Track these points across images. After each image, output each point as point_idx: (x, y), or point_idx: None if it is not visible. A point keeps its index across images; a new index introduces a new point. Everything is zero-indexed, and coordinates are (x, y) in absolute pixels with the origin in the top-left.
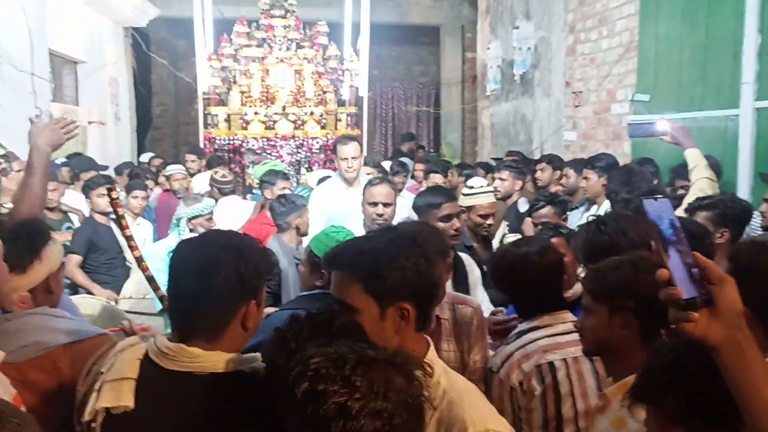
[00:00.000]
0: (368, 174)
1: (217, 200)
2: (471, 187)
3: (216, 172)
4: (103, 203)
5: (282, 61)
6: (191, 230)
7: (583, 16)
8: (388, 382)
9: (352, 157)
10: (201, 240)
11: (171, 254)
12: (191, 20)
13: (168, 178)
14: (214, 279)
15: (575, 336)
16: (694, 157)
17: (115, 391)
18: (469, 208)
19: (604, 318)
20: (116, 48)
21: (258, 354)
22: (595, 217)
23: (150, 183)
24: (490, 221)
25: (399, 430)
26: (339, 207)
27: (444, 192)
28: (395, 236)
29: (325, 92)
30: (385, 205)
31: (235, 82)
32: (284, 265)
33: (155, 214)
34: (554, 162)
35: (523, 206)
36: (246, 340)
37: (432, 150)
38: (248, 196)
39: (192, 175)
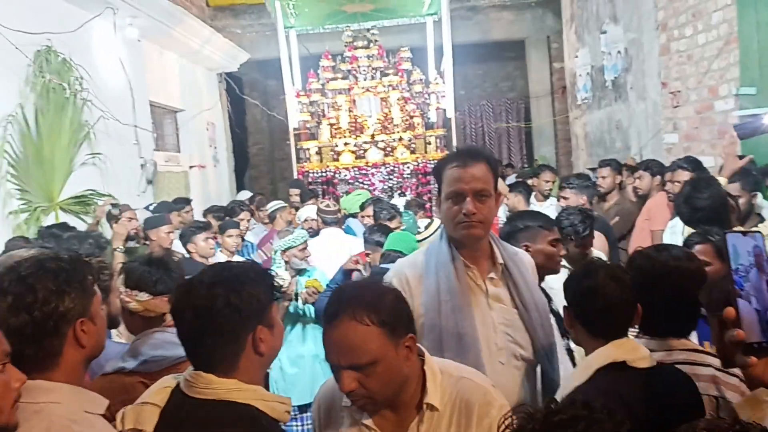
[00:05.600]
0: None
1: (319, 231)
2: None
3: (321, 202)
4: (206, 247)
5: (368, 90)
6: (286, 262)
7: (675, 12)
8: None
9: (480, 192)
10: (192, 283)
11: (171, 302)
12: (280, 60)
13: (273, 219)
14: (209, 318)
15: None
16: None
17: (134, 414)
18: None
19: (717, 332)
20: (211, 94)
21: (285, 398)
22: None
23: (245, 215)
24: None
25: None
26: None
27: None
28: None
29: (412, 117)
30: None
31: (323, 116)
32: None
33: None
34: (653, 168)
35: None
36: (267, 364)
37: (525, 165)
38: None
39: (296, 209)
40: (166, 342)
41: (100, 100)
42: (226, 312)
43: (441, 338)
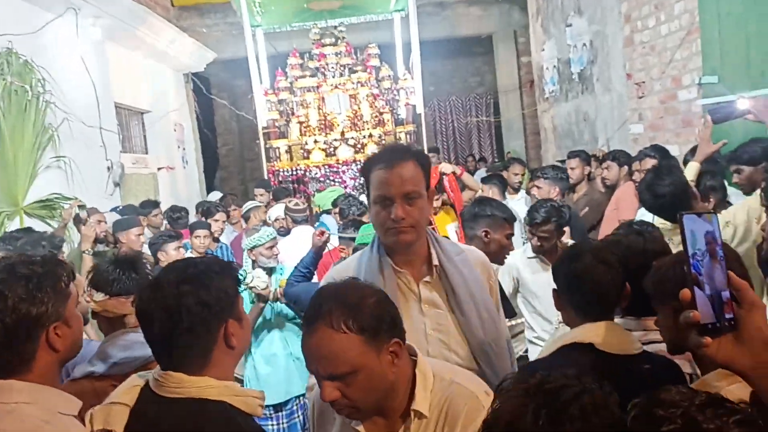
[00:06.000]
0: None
1: (290, 230)
2: None
3: (290, 201)
4: (177, 256)
5: (336, 87)
6: (253, 261)
7: (638, 3)
8: None
9: (408, 194)
10: (157, 282)
11: (136, 303)
12: (247, 59)
13: (247, 219)
14: (180, 316)
15: None
16: None
17: (103, 414)
18: None
19: (670, 319)
20: (179, 94)
21: (258, 392)
22: None
23: (221, 215)
24: None
25: None
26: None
27: None
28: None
29: (381, 113)
30: None
31: (293, 114)
32: None
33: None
34: (620, 158)
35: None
36: (238, 357)
37: (496, 159)
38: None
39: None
40: (136, 342)
41: (64, 102)
42: (197, 309)
43: None
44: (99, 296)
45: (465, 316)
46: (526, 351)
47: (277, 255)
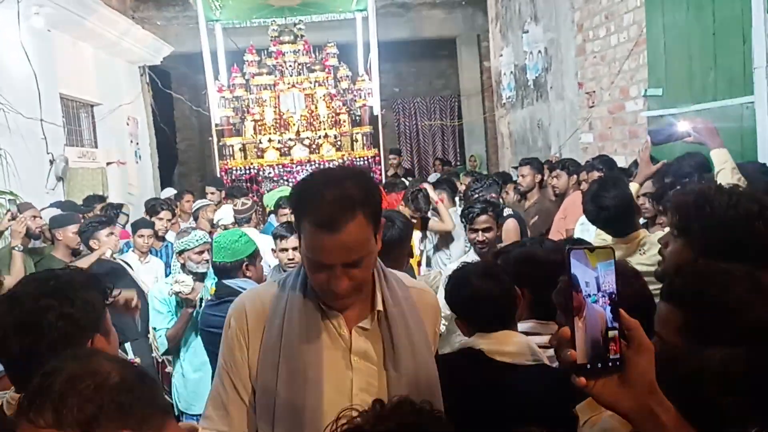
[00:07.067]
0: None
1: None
2: None
3: (235, 202)
4: (110, 243)
5: (293, 86)
6: (182, 264)
7: (589, 13)
8: None
9: (351, 263)
10: (14, 295)
11: None
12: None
13: (197, 217)
14: (41, 332)
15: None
16: (719, 159)
17: None
18: None
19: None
20: (133, 87)
21: None
22: None
23: (165, 214)
24: None
25: None
26: None
27: None
28: None
29: (338, 114)
30: None
31: (248, 112)
32: None
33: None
34: (569, 167)
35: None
36: None
37: (459, 163)
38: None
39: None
40: None
41: (1, 93)
42: (59, 325)
43: (274, 407)
44: None
45: (399, 374)
46: None
47: (207, 260)
